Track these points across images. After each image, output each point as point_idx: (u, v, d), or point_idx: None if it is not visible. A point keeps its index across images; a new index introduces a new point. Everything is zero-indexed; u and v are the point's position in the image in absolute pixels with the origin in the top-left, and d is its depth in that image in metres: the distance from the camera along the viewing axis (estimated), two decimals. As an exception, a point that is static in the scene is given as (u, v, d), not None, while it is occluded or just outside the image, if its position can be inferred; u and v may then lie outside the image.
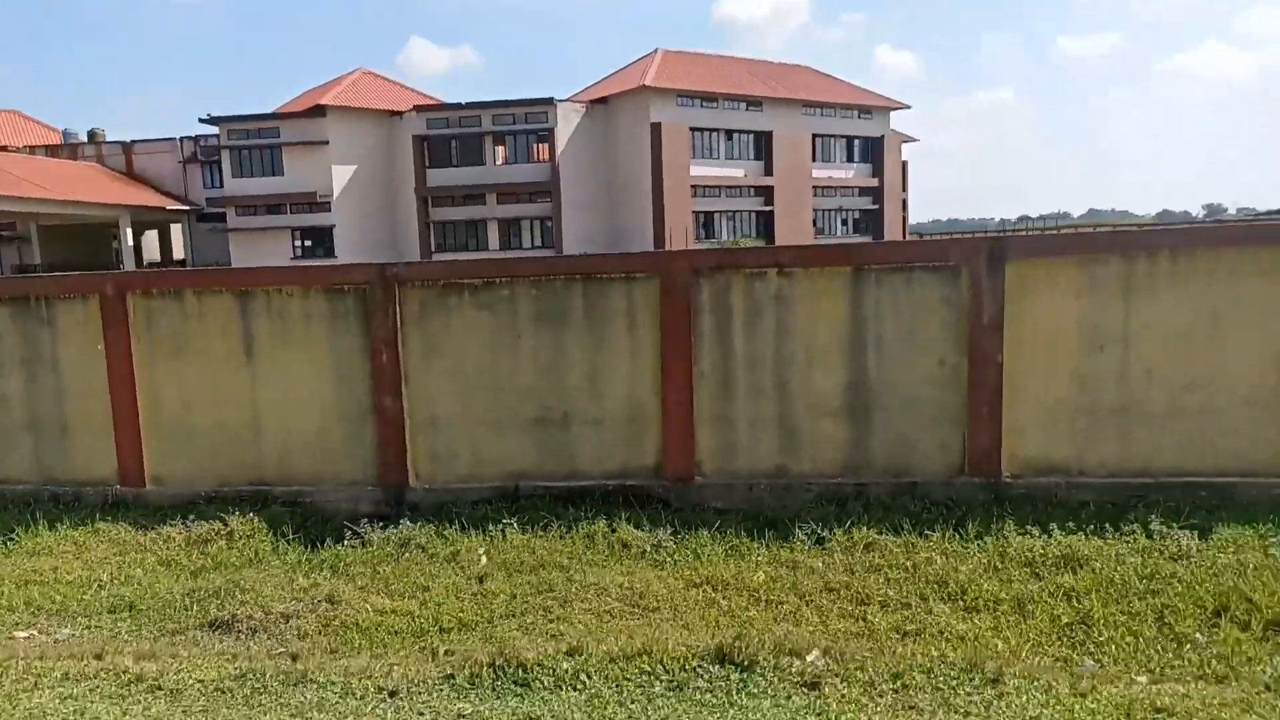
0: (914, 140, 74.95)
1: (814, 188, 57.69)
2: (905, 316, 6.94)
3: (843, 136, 59.55)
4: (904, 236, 63.00)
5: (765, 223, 55.12)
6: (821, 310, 7.03)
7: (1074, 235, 9.36)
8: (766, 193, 55.21)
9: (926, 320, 6.92)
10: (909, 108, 64.87)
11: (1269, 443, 6.57)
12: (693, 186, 51.80)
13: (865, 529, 6.27)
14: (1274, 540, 5.74)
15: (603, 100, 52.56)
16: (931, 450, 7.00)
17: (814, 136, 57.16)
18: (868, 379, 7.03)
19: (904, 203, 73.74)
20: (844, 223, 60.36)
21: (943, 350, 6.92)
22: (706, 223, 53.27)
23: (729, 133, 53.09)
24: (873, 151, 61.55)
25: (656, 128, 49.80)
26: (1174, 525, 6.00)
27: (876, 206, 62.15)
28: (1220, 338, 6.58)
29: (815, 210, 58.00)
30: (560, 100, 51.19)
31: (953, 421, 6.94)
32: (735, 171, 53.89)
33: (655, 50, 54.13)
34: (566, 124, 50.86)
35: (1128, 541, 5.84)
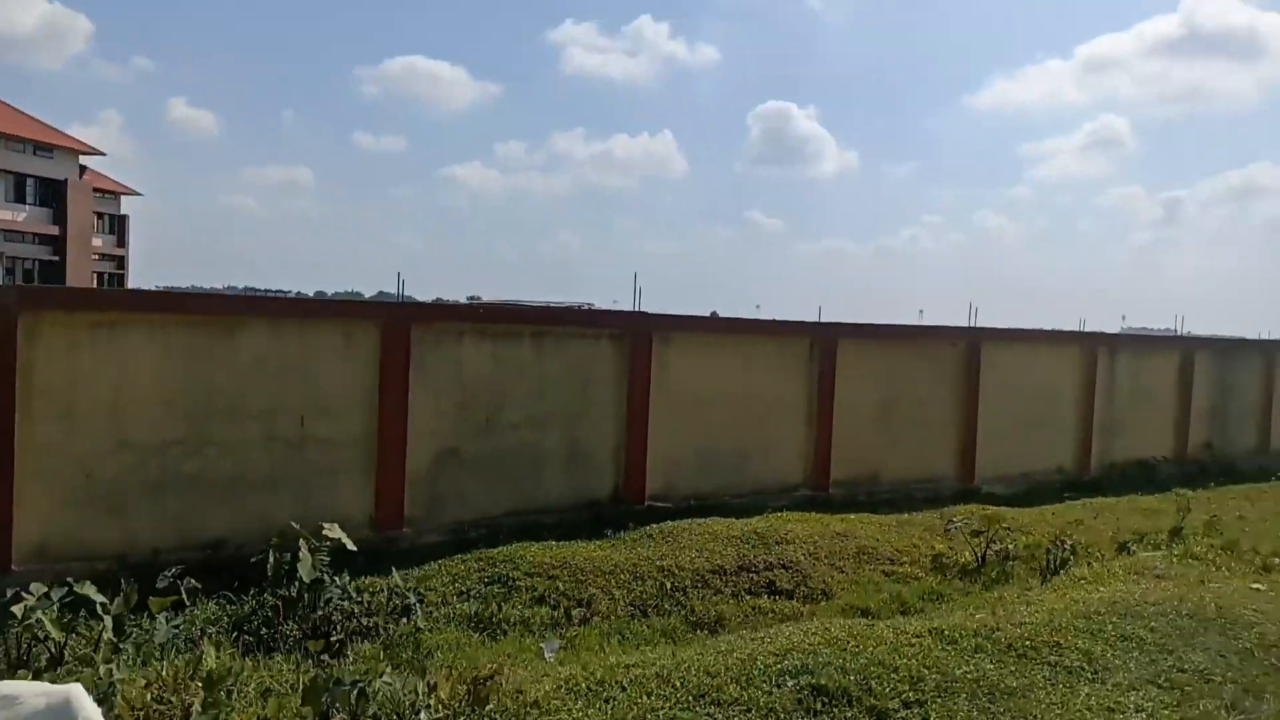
0: (137, 194, 69.39)
1: (-38, 226, 49.04)
2: None
3: (10, 172, 52.13)
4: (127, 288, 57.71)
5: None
6: None
7: None
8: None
9: None
10: (103, 154, 60.35)
11: None
12: None
13: None
14: None
15: None
16: None
17: (-37, 166, 48.77)
18: None
19: (123, 260, 67.76)
20: (9, 271, 52.42)
21: None
22: None
23: None
24: (54, 195, 55.24)
25: None
26: None
27: (58, 258, 55.72)
28: None
29: (-37, 252, 49.25)
30: None
31: None
32: None
33: None
34: None
35: None
